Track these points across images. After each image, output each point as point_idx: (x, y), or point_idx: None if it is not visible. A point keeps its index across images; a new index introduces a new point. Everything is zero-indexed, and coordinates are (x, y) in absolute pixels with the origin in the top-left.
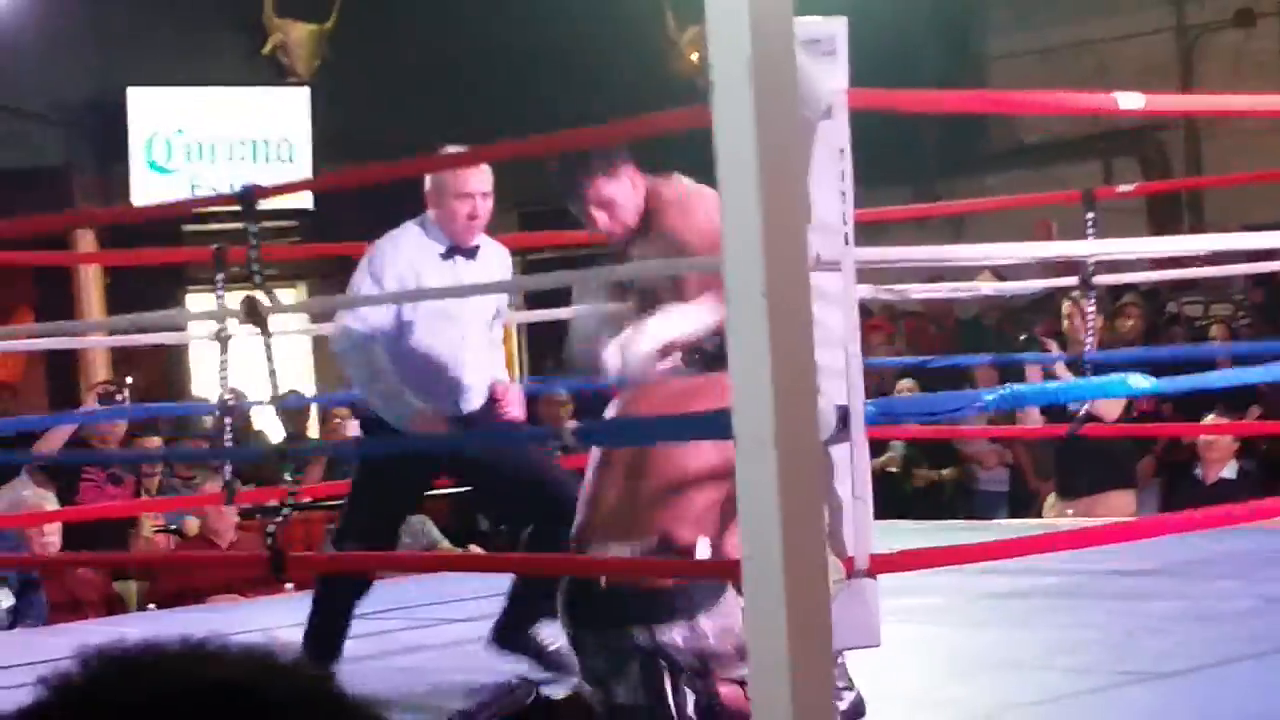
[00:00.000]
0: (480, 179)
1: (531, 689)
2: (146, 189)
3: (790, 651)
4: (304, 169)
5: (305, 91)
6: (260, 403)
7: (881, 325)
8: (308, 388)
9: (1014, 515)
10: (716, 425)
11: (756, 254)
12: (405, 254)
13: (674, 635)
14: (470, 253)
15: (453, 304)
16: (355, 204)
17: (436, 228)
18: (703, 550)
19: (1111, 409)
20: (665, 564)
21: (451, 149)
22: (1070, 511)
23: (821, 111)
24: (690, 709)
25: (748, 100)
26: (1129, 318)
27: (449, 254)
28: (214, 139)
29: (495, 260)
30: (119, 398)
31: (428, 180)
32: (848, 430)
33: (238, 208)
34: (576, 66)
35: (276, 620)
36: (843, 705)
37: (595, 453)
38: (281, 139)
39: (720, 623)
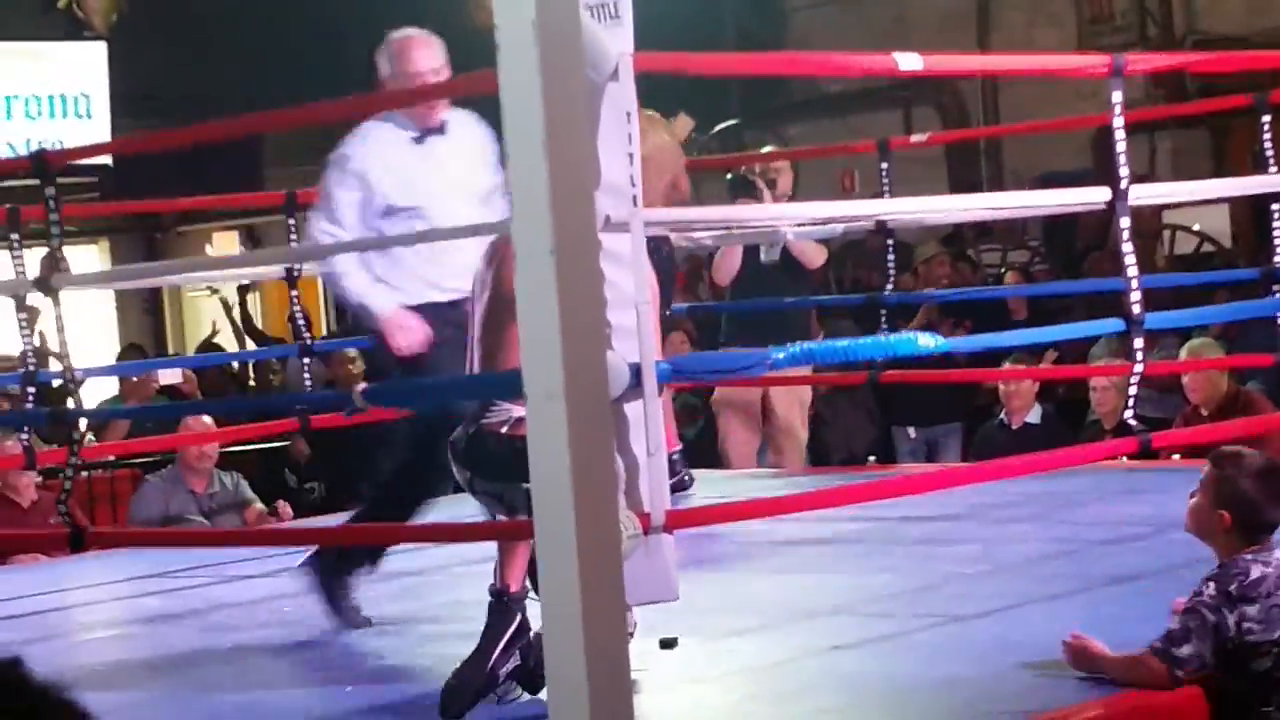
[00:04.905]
0: (427, 55)
1: None
2: None
3: (584, 606)
4: (102, 124)
5: (102, 46)
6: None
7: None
8: (110, 345)
9: None
10: (509, 382)
11: (544, 214)
12: (374, 148)
13: None
14: (439, 130)
15: (427, 188)
16: (155, 160)
17: (400, 115)
18: None
19: (816, 256)
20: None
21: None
22: None
23: (608, 74)
24: (506, 667)
25: (533, 63)
26: (940, 265)
27: (420, 138)
28: (10, 93)
29: (469, 132)
30: None
31: (381, 67)
32: (641, 387)
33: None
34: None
35: (79, 580)
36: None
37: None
38: (79, 94)
39: None
